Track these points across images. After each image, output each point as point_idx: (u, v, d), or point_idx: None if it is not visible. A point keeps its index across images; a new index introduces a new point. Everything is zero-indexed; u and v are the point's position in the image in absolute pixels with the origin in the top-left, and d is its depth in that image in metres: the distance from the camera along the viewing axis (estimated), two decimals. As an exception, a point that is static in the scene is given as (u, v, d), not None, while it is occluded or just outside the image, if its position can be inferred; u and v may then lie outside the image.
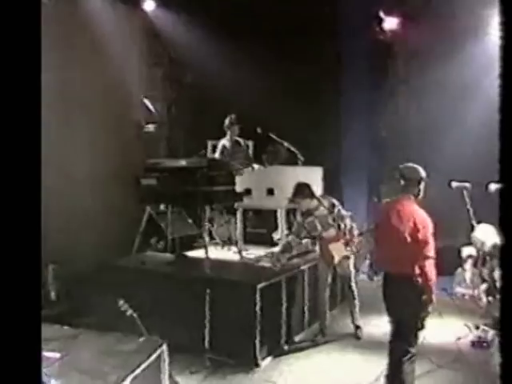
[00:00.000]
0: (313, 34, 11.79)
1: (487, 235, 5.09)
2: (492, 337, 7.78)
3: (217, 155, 9.91)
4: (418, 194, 5.80)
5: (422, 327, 5.69)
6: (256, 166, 9.67)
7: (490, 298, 9.59)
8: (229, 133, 10.03)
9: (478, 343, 7.79)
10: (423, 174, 5.79)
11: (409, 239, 5.55)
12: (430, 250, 5.56)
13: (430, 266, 5.54)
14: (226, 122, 9.96)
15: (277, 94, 11.56)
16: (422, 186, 5.80)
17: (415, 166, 5.86)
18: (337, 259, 8.10)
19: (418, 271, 5.51)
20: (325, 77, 11.90)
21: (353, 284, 8.37)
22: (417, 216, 5.62)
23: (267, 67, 11.40)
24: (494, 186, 5.83)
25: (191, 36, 11.78)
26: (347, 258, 8.19)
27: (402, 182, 5.79)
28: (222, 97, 11.32)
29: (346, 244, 8.11)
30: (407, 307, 5.62)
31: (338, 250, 8.08)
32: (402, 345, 5.72)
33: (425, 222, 5.62)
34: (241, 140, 9.99)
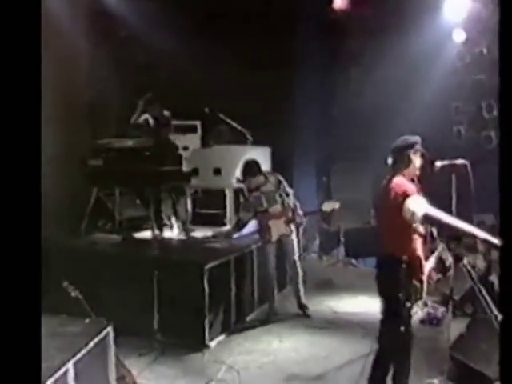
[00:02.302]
0: (265, 15, 11.81)
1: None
2: (441, 314, 7.86)
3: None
4: (407, 166, 5.35)
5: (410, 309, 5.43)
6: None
7: (439, 276, 9.73)
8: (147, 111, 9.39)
9: (428, 320, 7.87)
10: (403, 142, 5.38)
11: (393, 220, 5.24)
12: (415, 231, 5.22)
13: (416, 246, 5.25)
14: (140, 103, 9.35)
15: (228, 74, 11.49)
16: (406, 157, 5.34)
17: (409, 136, 5.44)
18: (274, 237, 8.12)
19: (403, 252, 5.21)
20: (277, 56, 11.86)
21: (297, 262, 8.37)
22: (401, 194, 5.16)
23: (219, 47, 11.33)
24: (439, 163, 5.83)
25: (142, 15, 11.58)
26: (287, 236, 8.20)
27: (391, 157, 5.42)
28: (172, 77, 11.23)
29: (288, 222, 8.12)
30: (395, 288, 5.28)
31: (277, 228, 8.08)
32: (392, 327, 5.54)
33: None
34: (166, 112, 9.53)
